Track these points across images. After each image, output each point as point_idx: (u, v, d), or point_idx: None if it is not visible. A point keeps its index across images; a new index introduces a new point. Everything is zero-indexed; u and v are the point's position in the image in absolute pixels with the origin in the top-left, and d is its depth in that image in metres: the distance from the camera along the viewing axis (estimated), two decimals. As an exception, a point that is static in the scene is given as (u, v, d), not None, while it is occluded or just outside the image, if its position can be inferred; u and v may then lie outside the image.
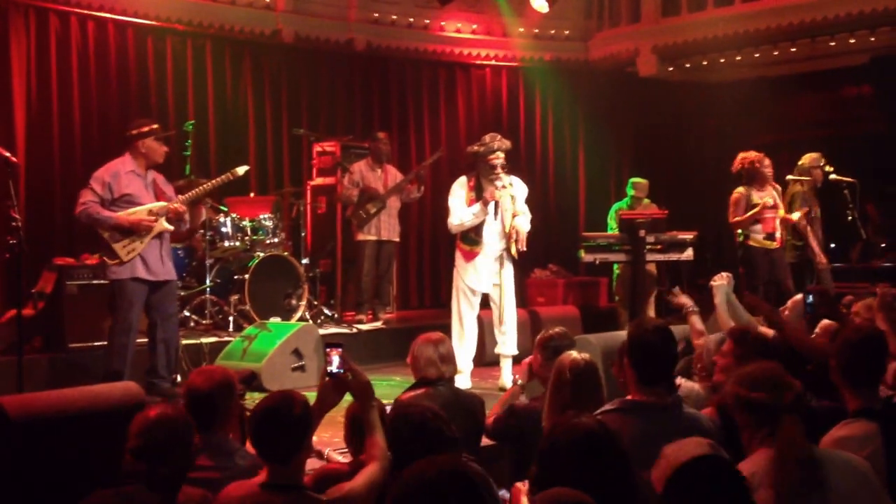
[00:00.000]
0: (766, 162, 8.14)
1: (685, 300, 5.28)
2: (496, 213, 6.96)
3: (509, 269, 7.15)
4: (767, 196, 8.10)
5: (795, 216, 8.23)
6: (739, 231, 8.23)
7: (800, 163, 8.55)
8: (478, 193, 7.02)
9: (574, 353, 3.76)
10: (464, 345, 7.04)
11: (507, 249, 7.05)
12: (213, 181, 6.85)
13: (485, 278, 7.11)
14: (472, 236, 7.08)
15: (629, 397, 3.40)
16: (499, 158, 6.95)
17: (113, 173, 6.28)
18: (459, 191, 7.11)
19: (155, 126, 6.51)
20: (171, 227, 6.42)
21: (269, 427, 2.92)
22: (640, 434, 3.07)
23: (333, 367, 3.28)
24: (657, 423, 3.11)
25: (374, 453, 3.13)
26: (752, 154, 8.20)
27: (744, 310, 5.53)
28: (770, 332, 4.72)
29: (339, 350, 3.30)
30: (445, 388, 4.21)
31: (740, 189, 8.15)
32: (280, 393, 3.09)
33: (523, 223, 7.01)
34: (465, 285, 7.13)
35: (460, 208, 7.05)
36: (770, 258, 8.15)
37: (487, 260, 7.08)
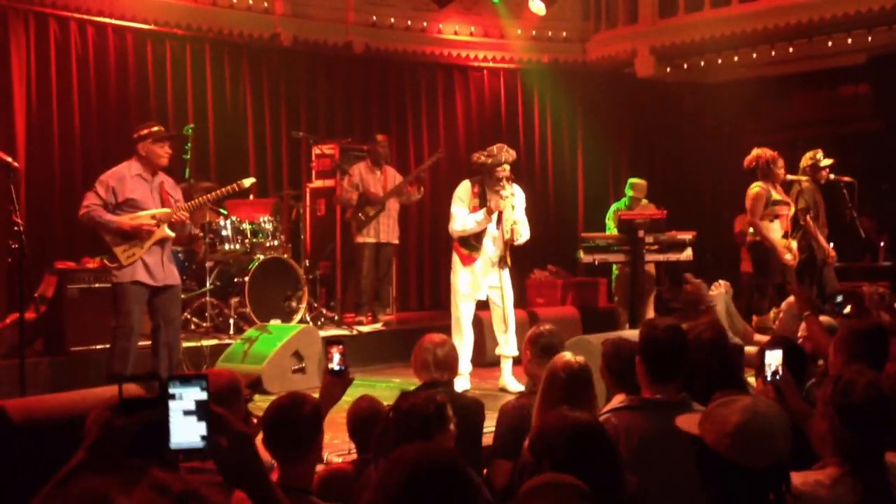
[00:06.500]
0: (780, 163, 7.88)
1: (703, 290, 4.87)
2: (498, 223, 7.01)
3: (507, 273, 7.21)
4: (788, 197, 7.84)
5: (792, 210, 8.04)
6: (752, 230, 7.90)
7: (804, 163, 8.41)
8: (482, 201, 7.06)
9: (569, 355, 3.78)
10: (462, 347, 7.07)
11: (503, 257, 7.11)
12: (218, 192, 6.85)
13: (481, 283, 7.16)
14: (473, 242, 7.12)
15: (622, 396, 3.45)
16: (505, 171, 7.00)
17: (118, 177, 6.25)
18: (463, 197, 7.16)
19: (154, 129, 6.39)
20: (173, 234, 6.40)
21: (279, 426, 2.92)
22: (649, 431, 3.11)
23: (334, 365, 3.30)
24: (667, 421, 3.15)
25: None
26: (768, 153, 7.88)
27: (740, 318, 5.54)
28: (764, 338, 4.72)
29: (340, 347, 3.33)
30: (443, 392, 4.21)
31: (760, 184, 7.78)
32: (290, 393, 3.09)
33: (523, 231, 7.11)
34: (462, 289, 7.17)
35: (463, 215, 7.09)
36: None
37: (485, 265, 7.13)
